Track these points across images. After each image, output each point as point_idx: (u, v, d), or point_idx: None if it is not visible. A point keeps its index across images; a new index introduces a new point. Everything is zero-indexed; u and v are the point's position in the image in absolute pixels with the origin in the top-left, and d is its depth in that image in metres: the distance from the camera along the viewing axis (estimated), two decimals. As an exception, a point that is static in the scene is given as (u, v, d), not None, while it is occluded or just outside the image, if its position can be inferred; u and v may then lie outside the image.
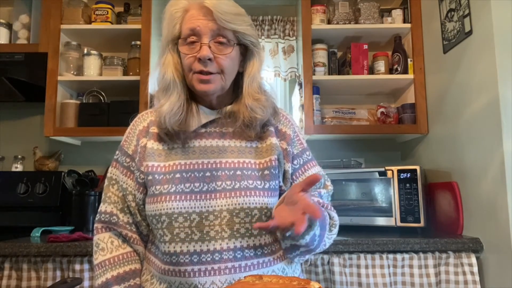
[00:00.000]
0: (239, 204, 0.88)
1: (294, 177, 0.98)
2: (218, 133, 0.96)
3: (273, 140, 0.96)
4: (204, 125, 0.96)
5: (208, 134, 0.96)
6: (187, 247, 0.87)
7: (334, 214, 0.97)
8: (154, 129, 0.97)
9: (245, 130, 0.95)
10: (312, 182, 0.78)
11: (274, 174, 0.93)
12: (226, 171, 0.91)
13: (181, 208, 0.88)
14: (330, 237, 0.97)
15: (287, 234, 0.82)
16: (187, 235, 0.87)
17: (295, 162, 0.99)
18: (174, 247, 0.87)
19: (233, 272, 0.86)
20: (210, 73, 0.90)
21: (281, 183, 0.96)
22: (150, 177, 0.91)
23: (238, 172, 0.91)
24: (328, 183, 1.03)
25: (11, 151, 2.18)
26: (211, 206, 0.88)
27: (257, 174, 0.92)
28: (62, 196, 1.91)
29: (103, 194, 1.00)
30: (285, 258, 0.94)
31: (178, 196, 0.88)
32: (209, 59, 0.89)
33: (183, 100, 0.94)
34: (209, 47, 0.89)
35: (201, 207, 0.88)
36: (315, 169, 1.01)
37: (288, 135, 0.99)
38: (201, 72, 0.90)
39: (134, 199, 0.95)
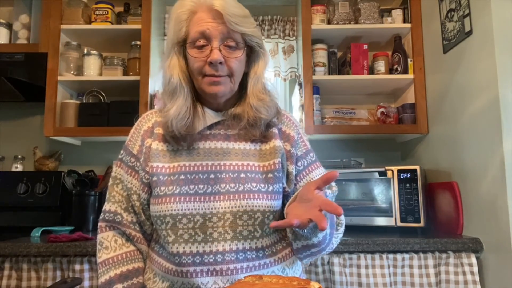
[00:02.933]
0: (242, 206, 0.88)
1: (298, 178, 0.98)
2: (222, 135, 0.96)
3: (277, 142, 0.95)
4: (209, 127, 0.96)
5: (213, 136, 0.96)
6: (190, 248, 0.87)
7: None
8: (159, 130, 0.97)
9: (250, 129, 0.94)
10: (328, 180, 0.75)
11: (277, 177, 0.92)
12: (230, 174, 0.91)
13: (185, 209, 0.88)
14: (337, 236, 0.98)
15: (305, 231, 0.81)
16: (191, 236, 0.87)
17: (299, 163, 0.98)
18: (177, 248, 0.88)
19: (235, 273, 0.86)
20: (220, 76, 0.90)
21: (285, 185, 0.96)
22: (154, 178, 0.91)
23: (242, 175, 0.91)
24: (333, 184, 1.02)
25: (11, 151, 2.18)
26: (215, 208, 0.88)
27: (260, 177, 0.92)
28: (62, 196, 1.91)
29: (107, 193, 1.00)
30: (286, 259, 0.94)
31: (182, 198, 0.89)
32: (220, 63, 0.88)
33: (189, 104, 0.94)
34: (220, 50, 0.89)
35: (205, 209, 0.88)
36: (319, 171, 1.01)
37: (292, 137, 0.99)
38: (212, 76, 0.90)
39: (138, 199, 0.96)
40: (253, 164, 0.93)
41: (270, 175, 0.92)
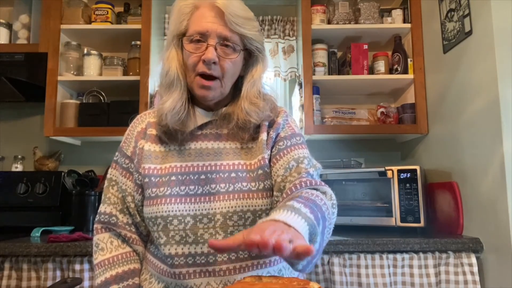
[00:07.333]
0: (232, 207, 0.88)
1: (278, 157, 0.93)
2: (213, 135, 0.96)
3: (263, 136, 0.94)
4: (200, 127, 0.96)
5: (204, 136, 0.96)
6: (182, 249, 0.87)
7: (327, 189, 0.86)
8: (151, 131, 0.97)
9: (239, 132, 0.94)
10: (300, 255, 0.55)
11: (267, 172, 0.92)
12: (221, 174, 0.91)
13: (176, 211, 0.88)
14: (333, 217, 0.84)
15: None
16: (182, 238, 0.87)
17: (280, 143, 0.94)
18: (169, 249, 0.87)
19: (228, 274, 0.86)
20: (212, 78, 0.89)
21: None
22: (146, 180, 0.91)
23: (233, 175, 0.91)
24: (315, 162, 0.97)
25: (11, 151, 2.18)
26: (205, 209, 0.88)
27: (251, 175, 0.91)
28: (62, 196, 1.91)
29: (103, 195, 1.00)
30: (282, 261, 0.92)
31: (173, 199, 0.88)
32: (214, 62, 0.88)
33: (185, 99, 0.93)
34: (215, 49, 0.88)
35: (196, 210, 0.88)
36: (300, 151, 0.94)
37: (278, 123, 0.97)
38: (203, 75, 0.89)
39: (133, 200, 0.96)
40: (244, 163, 0.93)
41: (260, 171, 0.91)
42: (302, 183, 0.83)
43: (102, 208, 0.98)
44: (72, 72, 2.01)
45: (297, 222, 0.64)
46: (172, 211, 0.88)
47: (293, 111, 2.18)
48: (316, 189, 0.83)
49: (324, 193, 0.84)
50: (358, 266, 1.47)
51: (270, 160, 0.94)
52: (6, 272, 1.45)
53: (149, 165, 0.92)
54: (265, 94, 0.98)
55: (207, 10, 0.89)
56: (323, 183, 0.88)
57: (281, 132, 0.96)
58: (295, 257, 0.55)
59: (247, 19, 0.90)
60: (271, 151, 0.95)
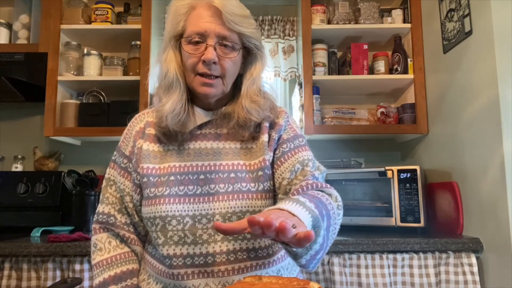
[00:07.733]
0: (231, 207, 0.88)
1: (282, 159, 0.93)
2: (213, 135, 0.96)
3: (265, 137, 0.94)
4: (199, 127, 0.95)
5: (203, 136, 0.95)
6: (180, 250, 0.86)
7: (332, 191, 0.87)
8: (150, 131, 0.96)
9: (239, 130, 0.93)
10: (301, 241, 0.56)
11: (268, 174, 0.91)
12: (220, 174, 0.90)
13: (174, 211, 0.87)
14: (337, 223, 0.84)
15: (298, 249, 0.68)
16: (180, 238, 0.87)
17: (284, 146, 0.94)
18: (167, 250, 0.87)
19: (227, 274, 0.86)
20: (214, 77, 0.89)
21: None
22: (145, 179, 0.91)
23: (232, 175, 0.90)
24: (318, 164, 0.97)
25: (11, 151, 2.18)
26: (204, 210, 0.88)
27: (251, 175, 0.91)
28: (62, 196, 1.91)
29: (101, 195, 1.00)
30: (281, 261, 0.93)
31: (172, 199, 0.88)
32: (214, 62, 0.87)
33: (184, 100, 0.93)
34: (215, 49, 0.87)
35: (194, 210, 0.88)
36: (304, 154, 0.94)
37: (280, 125, 0.96)
38: (204, 75, 0.88)
39: (131, 200, 0.95)
40: (244, 163, 0.92)
41: (260, 172, 0.91)
42: (309, 185, 0.84)
43: (100, 208, 0.98)
44: (72, 72, 2.01)
45: (301, 213, 0.66)
46: (171, 211, 0.87)
47: (293, 111, 2.18)
48: (322, 191, 0.84)
49: (329, 195, 0.85)
50: (358, 266, 1.47)
51: (273, 162, 0.94)
52: (6, 272, 1.45)
53: (147, 165, 0.92)
54: (264, 92, 0.98)
55: (204, 10, 0.88)
56: (328, 185, 0.89)
57: (283, 134, 0.96)
58: (296, 243, 0.56)
59: (244, 17, 0.90)
60: (274, 153, 0.94)
